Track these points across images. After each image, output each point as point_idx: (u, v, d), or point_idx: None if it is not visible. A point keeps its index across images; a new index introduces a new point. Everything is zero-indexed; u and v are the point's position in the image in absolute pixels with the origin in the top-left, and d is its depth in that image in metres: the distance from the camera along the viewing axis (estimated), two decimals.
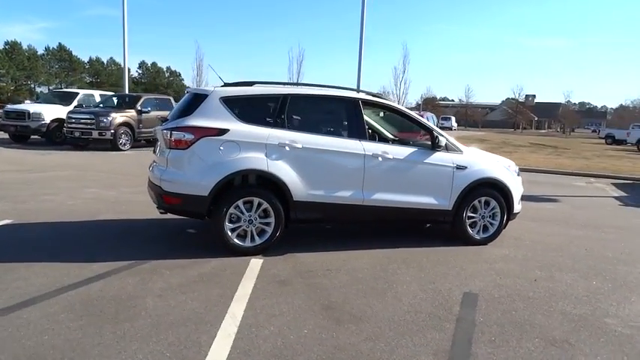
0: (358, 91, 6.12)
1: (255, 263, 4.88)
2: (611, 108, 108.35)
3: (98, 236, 5.68)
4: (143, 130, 16.47)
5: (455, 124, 61.89)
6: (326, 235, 6.24)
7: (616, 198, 10.97)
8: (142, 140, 16.82)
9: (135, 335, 3.25)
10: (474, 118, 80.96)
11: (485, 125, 78.99)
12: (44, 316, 3.47)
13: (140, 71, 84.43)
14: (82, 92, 19.01)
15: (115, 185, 9.13)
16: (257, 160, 5.04)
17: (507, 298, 4.28)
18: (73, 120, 15.45)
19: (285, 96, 5.35)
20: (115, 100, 17.87)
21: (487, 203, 6.05)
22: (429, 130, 5.86)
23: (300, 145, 5.17)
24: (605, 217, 8.58)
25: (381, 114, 6.90)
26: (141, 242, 5.49)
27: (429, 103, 75.89)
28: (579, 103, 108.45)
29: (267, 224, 5.15)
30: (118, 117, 15.65)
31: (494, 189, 6.04)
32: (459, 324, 3.68)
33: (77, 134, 15.35)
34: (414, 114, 6.11)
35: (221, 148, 4.96)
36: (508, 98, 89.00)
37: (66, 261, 4.66)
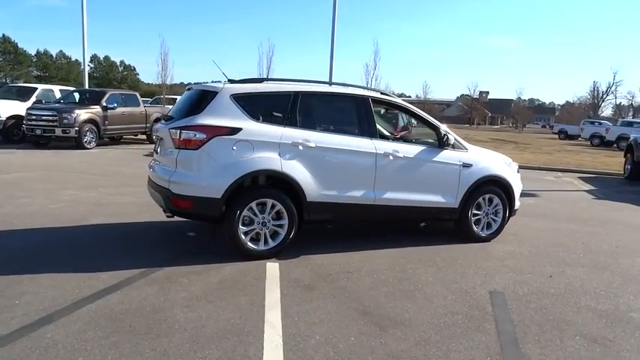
0: (368, 88, 6.01)
1: (272, 267, 4.71)
2: (559, 104, 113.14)
3: (95, 243, 5.34)
4: (109, 127, 15.79)
5: (414, 121, 62.67)
6: (332, 235, 6.12)
7: (587, 192, 11.38)
8: (105, 138, 16.12)
9: (177, 352, 3.04)
10: (431, 113, 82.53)
11: (442, 121, 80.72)
12: (70, 334, 3.19)
13: (92, 65, 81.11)
14: (40, 87, 18.02)
15: (92, 186, 8.66)
16: (271, 160, 4.86)
17: (532, 296, 4.31)
18: (34, 117, 14.59)
19: (297, 93, 5.19)
20: (77, 95, 17.03)
21: (490, 200, 6.10)
22: (437, 129, 5.84)
23: (313, 144, 5.03)
24: (584, 210, 8.86)
25: (382, 111, 6.85)
26: (143, 248, 5.20)
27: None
28: (529, 99, 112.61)
29: (281, 226, 4.99)
30: (83, 113, 14.90)
31: (497, 186, 6.10)
32: (499, 325, 3.66)
33: (38, 132, 14.52)
34: (422, 112, 6.07)
35: (234, 147, 4.75)
36: (463, 94, 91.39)
37: (71, 271, 4.34)
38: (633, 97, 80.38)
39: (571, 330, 3.64)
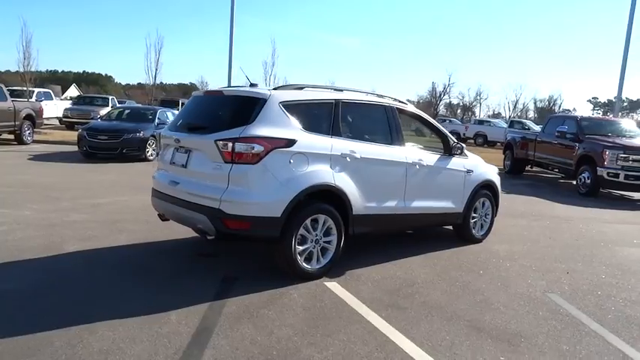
0: (382, 97, 5.94)
1: (335, 287, 4.45)
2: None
3: (104, 277, 4.49)
4: None
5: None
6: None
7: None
8: None
9: None
10: None
11: None
12: None
13: None
14: None
15: (16, 204, 7.18)
16: (325, 174, 4.57)
17: (591, 294, 4.70)
18: None
19: (337, 102, 4.94)
20: None
21: (483, 203, 6.50)
22: (446, 137, 6.02)
23: (358, 155, 4.85)
24: (529, 205, 9.81)
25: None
26: (170, 277, 4.53)
27: None
28: None
29: (329, 242, 4.73)
30: None
31: (489, 190, 6.53)
32: (596, 328, 3.92)
33: None
34: (434, 121, 6.20)
35: (291, 161, 4.36)
36: None
37: (126, 316, 3.59)
38: (463, 97, 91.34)
39: None
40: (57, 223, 6.16)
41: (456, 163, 5.99)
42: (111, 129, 13.27)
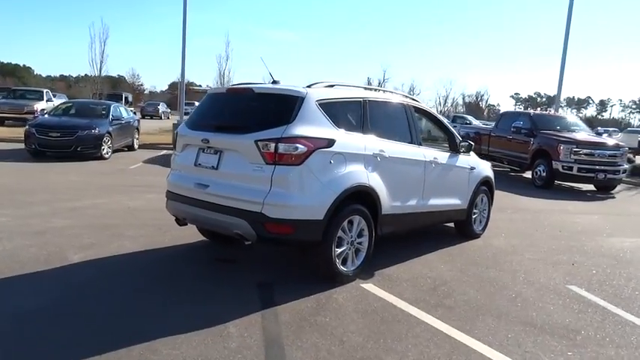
0: (393, 92, 5.91)
1: (373, 289, 4.40)
2: None
3: (133, 287, 4.17)
4: None
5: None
6: None
7: None
8: None
9: None
10: None
11: None
12: None
13: None
14: None
15: None
16: (361, 174, 4.50)
17: (606, 285, 4.95)
18: None
19: (365, 100, 4.87)
20: None
21: (482, 199, 6.69)
22: (453, 135, 6.11)
23: (387, 155, 4.81)
24: (495, 199, 10.16)
25: None
26: (199, 285, 4.27)
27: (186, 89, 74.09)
28: None
29: (361, 243, 4.66)
30: None
31: (486, 186, 6.72)
32: (632, 319, 4.13)
33: None
34: (443, 119, 6.26)
35: (331, 161, 4.25)
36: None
37: (181, 330, 3.33)
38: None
39: None
40: (43, 230, 5.64)
41: (462, 160, 6.11)
42: (63, 125, 12.33)
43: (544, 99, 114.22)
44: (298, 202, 4.04)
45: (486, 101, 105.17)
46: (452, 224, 6.63)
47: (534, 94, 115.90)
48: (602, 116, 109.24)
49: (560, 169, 12.20)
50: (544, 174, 12.58)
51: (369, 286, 4.47)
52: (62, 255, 4.83)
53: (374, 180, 4.61)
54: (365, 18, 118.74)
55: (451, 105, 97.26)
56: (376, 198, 4.65)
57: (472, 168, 6.30)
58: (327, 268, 4.34)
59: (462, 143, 6.08)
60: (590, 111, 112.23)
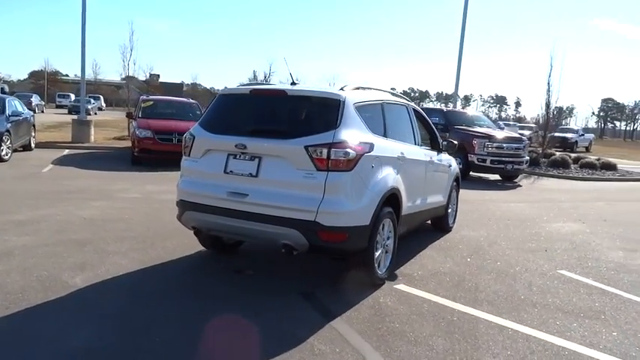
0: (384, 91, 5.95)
1: (410, 290, 4.49)
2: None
3: (171, 307, 3.77)
4: None
5: (104, 104, 58.16)
6: None
7: None
8: None
9: None
10: (104, 94, 76.53)
11: (121, 104, 75.84)
12: None
13: None
14: None
15: None
16: (393, 177, 4.55)
17: (587, 267, 5.55)
18: None
19: (383, 103, 4.90)
20: None
21: (454, 195, 7.10)
22: (436, 135, 6.38)
23: (407, 157, 4.92)
24: None
25: None
26: (237, 299, 4.02)
27: (52, 79, 67.39)
28: (195, 83, 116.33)
29: (387, 245, 4.71)
30: None
31: (457, 182, 7.15)
32: (630, 297, 4.70)
33: None
34: (428, 119, 6.46)
35: (372, 166, 4.23)
36: (130, 76, 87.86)
37: (267, 353, 3.11)
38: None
39: None
40: (7, 251, 4.83)
41: (444, 159, 6.41)
42: None
43: (417, 94, 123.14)
44: (350, 208, 3.96)
45: None
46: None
47: (408, 89, 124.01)
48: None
49: (476, 162, 13.31)
50: (460, 166, 13.57)
51: (401, 286, 4.53)
52: (58, 279, 4.19)
53: (399, 182, 4.68)
54: (252, 8, 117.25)
55: None
56: (400, 200, 4.73)
57: (449, 165, 6.64)
58: (368, 273, 4.32)
59: (444, 142, 6.38)
60: (457, 105, 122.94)
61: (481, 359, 3.25)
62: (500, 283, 4.84)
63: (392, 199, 4.58)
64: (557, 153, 19.23)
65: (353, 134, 4.06)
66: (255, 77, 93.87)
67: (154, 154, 11.91)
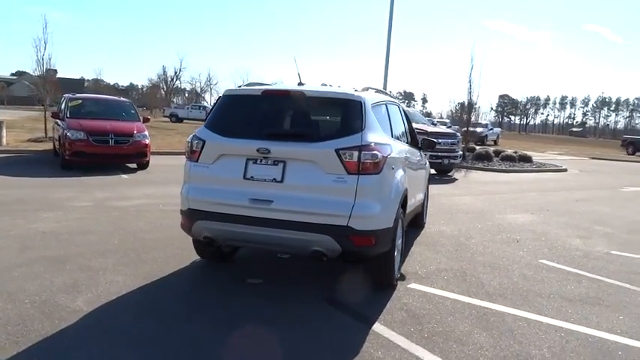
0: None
1: (426, 289, 4.55)
2: (142, 86, 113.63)
3: (203, 327, 3.50)
4: None
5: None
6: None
7: None
8: None
9: None
10: None
11: (13, 102, 69.13)
12: None
13: None
14: None
15: None
16: (405, 178, 4.58)
17: (562, 256, 5.94)
18: None
19: (385, 103, 4.90)
20: None
21: (427, 191, 7.31)
22: (415, 133, 6.50)
23: (409, 157, 5.00)
24: None
25: None
26: (265, 311, 3.84)
27: None
28: (98, 79, 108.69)
29: (398, 245, 4.74)
30: None
31: (429, 179, 7.37)
32: (612, 281, 5.12)
33: None
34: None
35: (392, 167, 4.23)
36: (22, 71, 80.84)
37: None
38: (195, 83, 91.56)
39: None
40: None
41: (422, 156, 6.57)
42: None
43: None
44: (378, 211, 3.93)
45: None
46: None
47: (322, 84, 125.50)
48: None
49: None
50: None
51: (414, 286, 4.59)
52: (57, 304, 3.74)
53: (407, 183, 4.72)
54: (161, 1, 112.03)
55: None
56: (407, 200, 4.77)
57: (425, 163, 6.83)
58: (388, 276, 4.32)
59: (422, 141, 6.53)
60: None
61: (529, 353, 3.37)
62: (498, 276, 5.05)
63: (403, 200, 4.60)
64: (477, 147, 20.51)
65: (376, 136, 4.03)
66: (164, 73, 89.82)
67: (88, 157, 11.06)
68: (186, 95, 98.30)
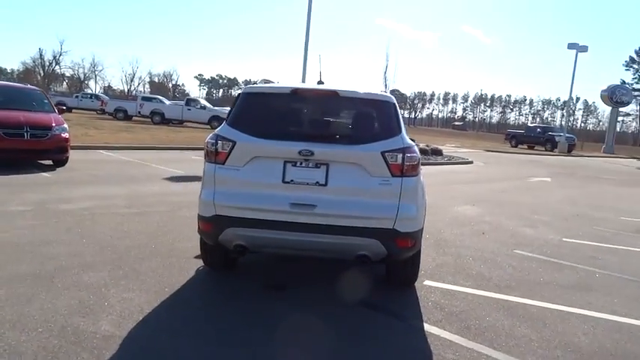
0: None
1: (442, 285, 4.68)
2: (16, 69, 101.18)
3: (253, 343, 3.28)
4: None
5: None
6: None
7: None
8: None
9: None
10: None
11: None
12: None
13: None
14: None
15: None
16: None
17: (529, 245, 6.42)
18: None
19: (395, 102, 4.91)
20: None
21: None
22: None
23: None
24: None
25: None
26: (309, 320, 3.72)
27: None
28: None
29: None
30: None
31: None
32: (583, 268, 5.66)
33: None
34: None
35: (420, 168, 4.26)
36: None
37: None
38: (78, 68, 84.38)
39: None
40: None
41: None
42: None
43: (225, 80, 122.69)
44: (417, 213, 3.95)
45: (176, 81, 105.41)
46: None
47: (216, 76, 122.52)
48: None
49: None
50: None
51: (429, 283, 4.69)
52: (79, 329, 3.27)
53: None
54: None
55: (138, 84, 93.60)
56: None
57: None
58: (414, 275, 4.38)
59: None
60: None
61: (573, 341, 3.62)
62: (492, 268, 5.34)
63: None
64: None
65: (409, 138, 4.03)
66: (41, 56, 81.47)
67: (0, 152, 9.71)
68: (66, 82, 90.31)
